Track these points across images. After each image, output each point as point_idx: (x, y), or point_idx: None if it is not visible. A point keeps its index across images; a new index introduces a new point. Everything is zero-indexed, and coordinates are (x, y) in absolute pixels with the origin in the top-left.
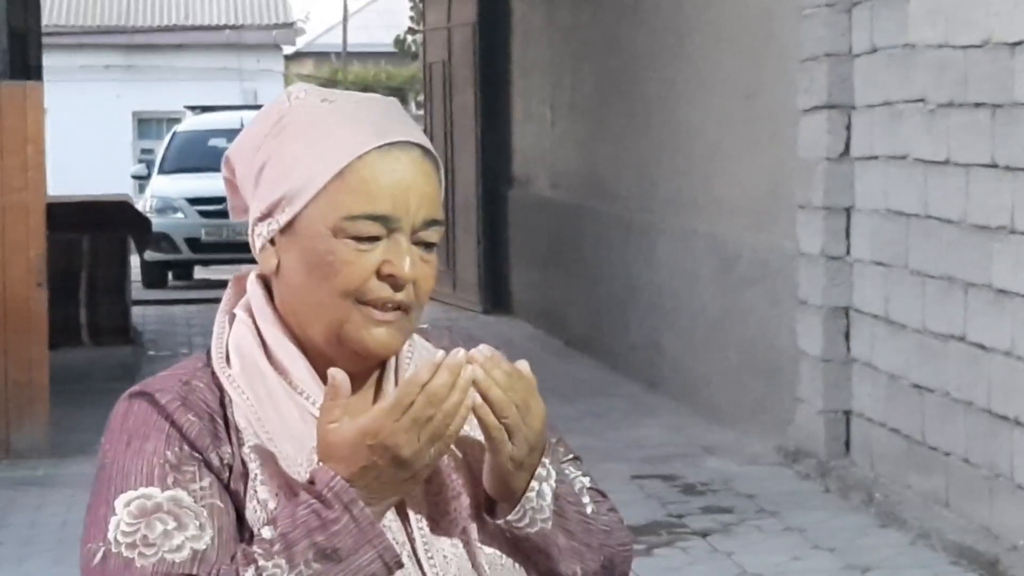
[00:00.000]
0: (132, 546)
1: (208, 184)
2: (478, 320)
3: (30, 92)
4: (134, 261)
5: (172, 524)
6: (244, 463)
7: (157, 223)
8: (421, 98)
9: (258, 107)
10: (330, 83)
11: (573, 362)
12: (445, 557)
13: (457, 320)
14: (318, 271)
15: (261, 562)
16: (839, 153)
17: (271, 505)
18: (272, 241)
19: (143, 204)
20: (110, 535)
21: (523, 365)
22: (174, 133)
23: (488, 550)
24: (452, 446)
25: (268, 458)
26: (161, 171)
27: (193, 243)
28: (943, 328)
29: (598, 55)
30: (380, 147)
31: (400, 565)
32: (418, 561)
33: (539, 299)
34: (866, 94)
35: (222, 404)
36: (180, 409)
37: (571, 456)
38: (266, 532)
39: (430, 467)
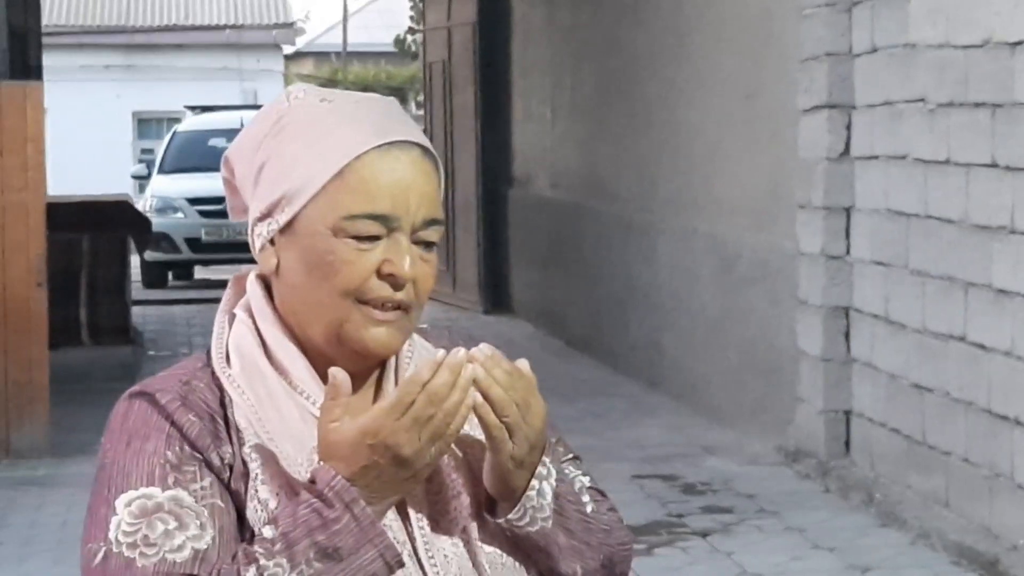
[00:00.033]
0: (133, 546)
1: (208, 184)
2: (478, 320)
3: (30, 92)
4: (134, 261)
5: (173, 524)
6: (244, 463)
7: (157, 223)
8: (421, 98)
9: (258, 107)
10: (330, 83)
11: (573, 362)
12: (446, 556)
13: (457, 320)
14: (318, 271)
15: (262, 561)
16: (839, 153)
17: (272, 505)
18: (272, 241)
19: (143, 204)
20: (111, 535)
21: (523, 364)
22: (174, 133)
23: (488, 549)
24: (452, 445)
25: (269, 458)
26: (161, 171)
27: (193, 243)
28: (943, 328)
29: (598, 55)
30: (379, 146)
31: (401, 564)
32: (419, 560)
33: (539, 299)
34: (866, 94)
35: (222, 404)
36: (180, 409)
37: (570, 456)
38: (267, 531)
39: (431, 466)
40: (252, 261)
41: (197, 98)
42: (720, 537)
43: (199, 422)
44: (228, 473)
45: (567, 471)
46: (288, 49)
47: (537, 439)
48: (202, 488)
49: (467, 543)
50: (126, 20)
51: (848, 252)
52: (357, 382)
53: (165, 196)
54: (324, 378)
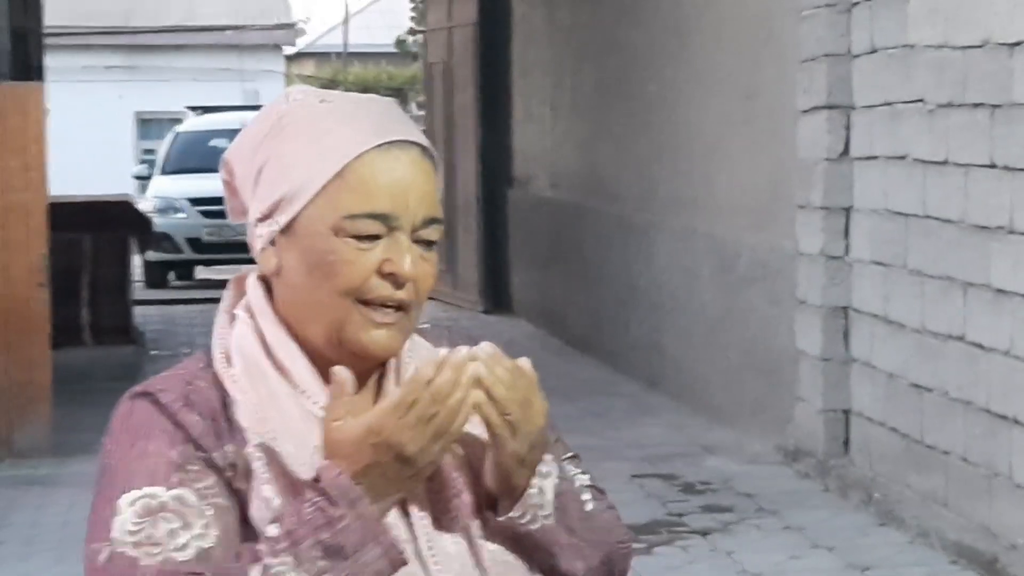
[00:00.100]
0: (137, 545)
1: (209, 184)
2: (478, 320)
3: (32, 93)
4: (136, 261)
5: (177, 523)
6: (248, 462)
7: (159, 223)
8: (422, 98)
9: (259, 107)
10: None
11: (573, 361)
12: (448, 554)
13: (457, 320)
14: (319, 271)
15: (267, 560)
16: (839, 153)
17: (275, 503)
18: (272, 242)
19: (145, 204)
20: (115, 535)
21: (525, 362)
22: (176, 133)
23: (490, 547)
24: (454, 444)
25: (271, 457)
26: (163, 171)
27: (194, 243)
28: (942, 328)
29: (598, 55)
30: (379, 146)
31: (404, 562)
32: (421, 558)
33: (539, 299)
34: (865, 94)
35: (224, 404)
36: (183, 409)
37: (569, 454)
38: (272, 530)
39: (434, 464)
40: (253, 261)
41: (198, 99)
42: (720, 536)
43: (202, 422)
44: (231, 472)
45: (567, 469)
46: (289, 50)
47: (539, 437)
48: (206, 487)
49: (469, 541)
50: (128, 21)
51: (847, 252)
52: (358, 382)
53: (167, 196)
54: (326, 378)
